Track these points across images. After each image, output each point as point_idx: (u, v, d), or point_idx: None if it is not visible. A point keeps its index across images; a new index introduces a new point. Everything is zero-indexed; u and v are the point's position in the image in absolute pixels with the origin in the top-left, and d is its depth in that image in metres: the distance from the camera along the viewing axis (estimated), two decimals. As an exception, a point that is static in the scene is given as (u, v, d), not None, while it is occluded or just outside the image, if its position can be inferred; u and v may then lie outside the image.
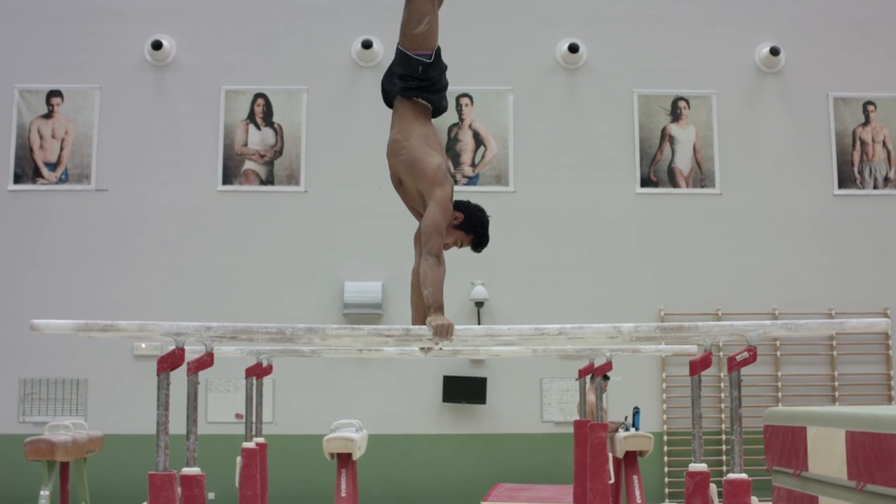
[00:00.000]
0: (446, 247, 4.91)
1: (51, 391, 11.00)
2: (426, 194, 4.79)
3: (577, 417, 7.80)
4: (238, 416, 10.60)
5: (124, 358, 10.92)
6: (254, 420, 6.84)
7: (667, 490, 11.13)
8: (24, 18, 11.54)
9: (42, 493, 7.73)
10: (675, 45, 11.77)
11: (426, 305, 4.59)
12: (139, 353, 10.89)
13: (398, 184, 5.00)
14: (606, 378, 8.10)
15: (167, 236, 11.31)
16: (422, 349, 5.36)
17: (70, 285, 11.10)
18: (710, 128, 11.71)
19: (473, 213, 4.99)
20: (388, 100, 5.09)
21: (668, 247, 11.50)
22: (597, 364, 7.14)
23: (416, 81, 4.90)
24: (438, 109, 5.04)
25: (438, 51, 4.94)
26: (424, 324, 4.61)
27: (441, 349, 5.46)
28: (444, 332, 4.47)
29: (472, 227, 4.97)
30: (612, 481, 7.44)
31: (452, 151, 11.49)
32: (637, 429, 8.59)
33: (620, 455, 8.17)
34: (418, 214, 4.94)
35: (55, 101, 11.46)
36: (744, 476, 4.37)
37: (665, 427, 11.20)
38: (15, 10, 11.56)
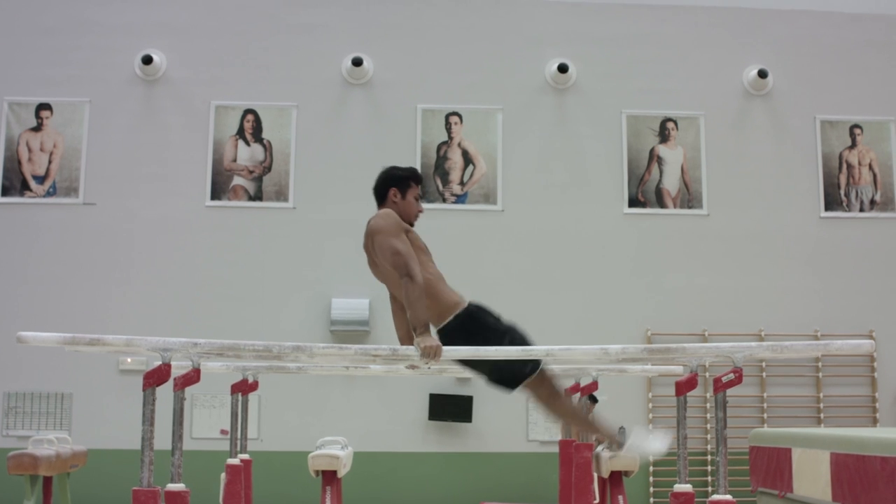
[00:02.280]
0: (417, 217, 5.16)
1: (35, 405, 10.93)
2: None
3: (563, 437, 7.81)
4: (223, 432, 10.56)
5: (110, 372, 10.86)
6: (239, 436, 6.83)
7: (652, 510, 11.12)
8: (13, 31, 11.53)
9: (24, 507, 7.70)
10: (663, 67, 11.83)
11: (411, 326, 4.61)
12: (125, 367, 10.85)
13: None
14: (595, 400, 8.12)
15: (155, 251, 11.27)
16: (408, 366, 5.38)
17: (57, 299, 11.04)
18: (697, 149, 11.77)
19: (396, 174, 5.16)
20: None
21: (655, 267, 11.52)
22: (583, 383, 7.15)
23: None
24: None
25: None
26: (408, 331, 4.65)
27: (429, 368, 5.48)
28: (431, 353, 4.49)
29: (402, 180, 5.10)
30: (596, 501, 7.44)
31: (441, 170, 11.52)
32: (623, 448, 8.59)
33: (605, 475, 8.17)
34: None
35: (44, 114, 11.44)
36: (728, 497, 4.38)
37: (651, 447, 11.17)
38: (4, 22, 11.54)
